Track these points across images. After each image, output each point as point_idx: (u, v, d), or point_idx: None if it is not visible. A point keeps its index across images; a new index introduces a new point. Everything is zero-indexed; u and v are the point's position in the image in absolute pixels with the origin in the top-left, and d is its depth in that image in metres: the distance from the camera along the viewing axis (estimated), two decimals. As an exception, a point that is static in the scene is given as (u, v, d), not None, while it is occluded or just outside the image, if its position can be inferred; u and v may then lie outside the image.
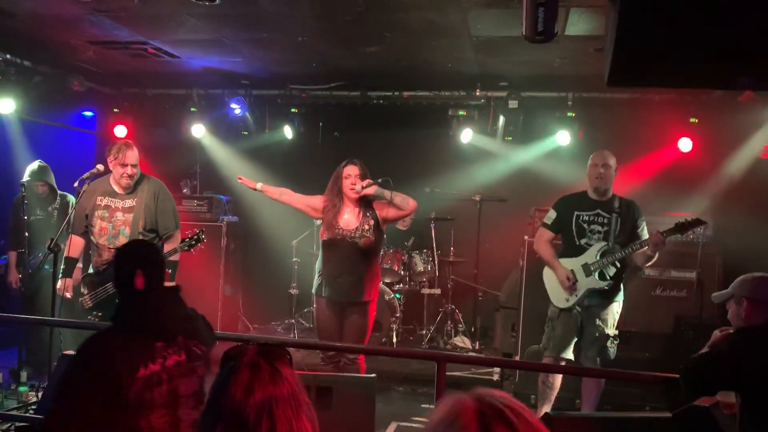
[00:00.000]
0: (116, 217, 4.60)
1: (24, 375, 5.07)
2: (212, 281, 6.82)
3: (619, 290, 4.54)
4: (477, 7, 4.44)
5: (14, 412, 4.65)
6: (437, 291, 7.10)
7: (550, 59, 5.69)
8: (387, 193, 4.43)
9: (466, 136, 7.06)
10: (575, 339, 4.55)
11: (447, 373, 3.41)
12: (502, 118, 6.76)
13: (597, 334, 4.45)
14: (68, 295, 4.61)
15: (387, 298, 6.63)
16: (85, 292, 4.56)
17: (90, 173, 4.65)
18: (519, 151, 7.31)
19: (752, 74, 2.55)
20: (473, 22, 4.82)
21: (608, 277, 4.44)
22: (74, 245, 4.67)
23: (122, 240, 4.53)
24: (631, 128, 6.71)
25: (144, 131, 7.33)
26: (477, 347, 6.99)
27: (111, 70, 6.87)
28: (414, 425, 4.86)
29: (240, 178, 4.85)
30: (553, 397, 4.63)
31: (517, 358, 5.83)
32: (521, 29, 3.22)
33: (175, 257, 4.63)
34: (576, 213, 4.57)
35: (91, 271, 4.68)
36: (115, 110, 7.58)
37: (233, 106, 7.07)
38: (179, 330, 2.42)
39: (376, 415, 3.47)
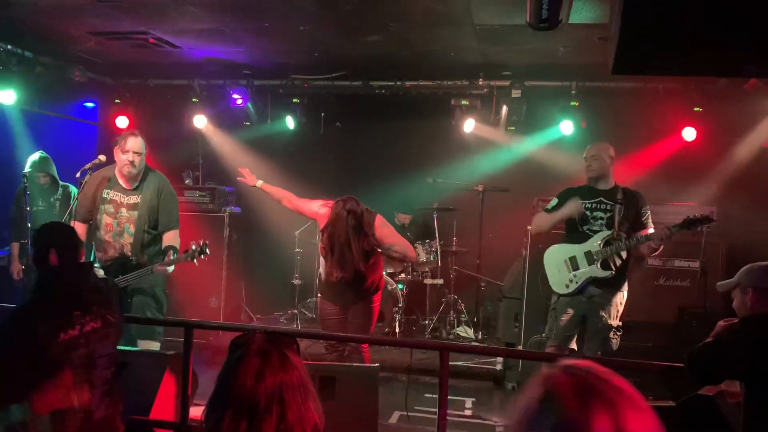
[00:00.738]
0: (121, 213, 4.59)
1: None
2: (215, 272, 6.81)
3: (623, 281, 4.52)
4: (480, -6, 4.43)
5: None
6: (440, 281, 7.10)
7: (554, 48, 5.66)
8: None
9: (469, 125, 7.03)
10: (578, 329, 4.55)
11: (450, 363, 3.41)
12: (504, 108, 6.73)
13: (600, 325, 4.44)
14: None
15: (390, 288, 6.65)
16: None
17: (92, 164, 4.63)
18: (522, 141, 7.28)
19: (758, 62, 2.53)
20: (476, 10, 4.79)
21: (611, 267, 4.43)
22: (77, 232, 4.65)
23: (126, 238, 4.54)
24: (635, 118, 6.67)
25: (145, 122, 7.30)
26: (480, 337, 6.99)
27: (112, 61, 6.86)
28: (417, 415, 4.87)
29: (241, 175, 4.82)
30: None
31: (520, 347, 5.83)
32: (524, 17, 3.20)
33: (170, 268, 4.49)
34: (579, 200, 4.56)
35: (97, 265, 4.67)
36: (117, 101, 7.57)
37: (235, 96, 7.05)
38: (93, 301, 2.76)
39: (379, 404, 3.48)
